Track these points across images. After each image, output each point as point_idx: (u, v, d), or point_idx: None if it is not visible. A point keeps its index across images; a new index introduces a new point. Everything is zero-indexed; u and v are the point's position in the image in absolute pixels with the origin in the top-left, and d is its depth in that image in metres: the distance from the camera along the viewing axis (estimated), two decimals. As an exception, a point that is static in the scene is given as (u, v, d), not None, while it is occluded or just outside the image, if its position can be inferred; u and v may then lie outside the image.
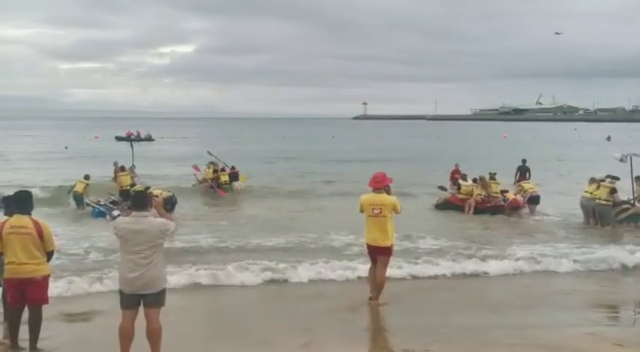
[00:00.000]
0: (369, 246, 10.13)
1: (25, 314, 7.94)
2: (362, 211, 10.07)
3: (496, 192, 21.19)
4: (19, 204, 7.94)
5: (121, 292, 7.30)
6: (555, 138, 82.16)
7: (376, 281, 10.10)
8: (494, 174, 22.19)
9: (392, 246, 10.12)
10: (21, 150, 54.53)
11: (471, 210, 20.68)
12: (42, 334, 7.91)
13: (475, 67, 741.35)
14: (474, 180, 21.74)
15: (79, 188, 21.78)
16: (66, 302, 10.28)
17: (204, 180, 26.74)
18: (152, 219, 7.32)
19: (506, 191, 21.61)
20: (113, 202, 20.88)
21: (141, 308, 7.28)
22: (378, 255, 10.04)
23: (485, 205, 20.94)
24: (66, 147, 54.45)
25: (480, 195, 21.12)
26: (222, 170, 27.28)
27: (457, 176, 24.13)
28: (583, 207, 18.78)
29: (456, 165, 26.58)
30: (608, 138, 76.75)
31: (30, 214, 7.92)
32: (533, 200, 20.55)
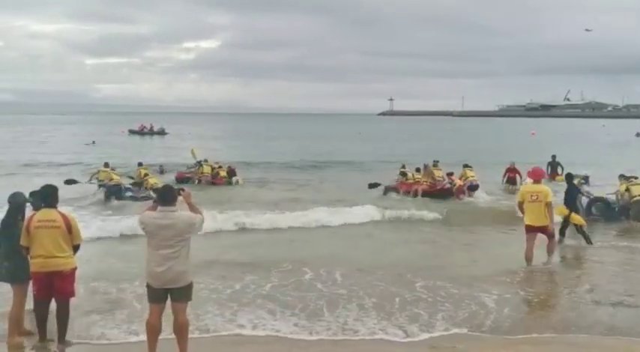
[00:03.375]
0: (528, 226, 12.59)
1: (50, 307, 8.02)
2: (522, 200, 12.68)
3: (440, 177, 23.44)
4: (46, 198, 8.03)
5: (148, 286, 7.31)
6: (583, 136, 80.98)
7: (547, 251, 12.84)
8: (437, 161, 24.87)
9: (549, 225, 12.61)
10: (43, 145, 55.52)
11: (418, 194, 22.79)
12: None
13: (503, 63, 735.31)
14: (417, 169, 24.46)
15: (104, 176, 22.90)
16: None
17: (202, 174, 27.09)
18: (180, 214, 7.33)
19: (452, 173, 23.63)
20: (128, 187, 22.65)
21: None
22: (539, 232, 12.59)
23: (433, 190, 22.96)
24: (93, 142, 54.88)
25: (426, 181, 23.38)
26: (220, 166, 28.06)
27: (513, 175, 25.99)
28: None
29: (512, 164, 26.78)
30: (638, 135, 75.78)
31: (56, 208, 8.01)
32: (473, 187, 23.03)
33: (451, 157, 33.93)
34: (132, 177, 24.76)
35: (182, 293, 7.28)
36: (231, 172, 27.96)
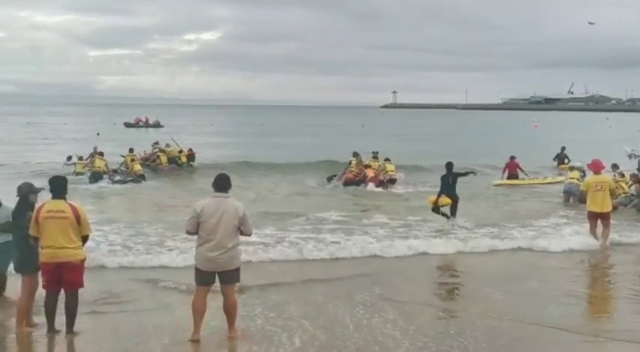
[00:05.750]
0: (593, 213, 14.07)
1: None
2: (586, 190, 14.37)
3: (376, 168, 24.44)
4: (55, 189, 8.07)
5: (197, 269, 7.79)
6: (586, 129, 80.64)
7: (602, 235, 13.95)
8: (377, 152, 26.01)
9: (610, 212, 14.20)
10: (52, 136, 55.66)
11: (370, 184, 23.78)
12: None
13: (507, 56, 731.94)
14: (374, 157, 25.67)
15: (99, 164, 24.84)
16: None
17: (160, 164, 28.10)
18: (232, 200, 7.82)
19: (369, 166, 24.64)
20: (114, 171, 25.30)
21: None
22: (601, 219, 14.02)
23: (357, 179, 24.18)
24: (98, 134, 54.91)
25: (353, 171, 24.51)
26: (180, 151, 29.34)
27: (514, 171, 25.89)
28: (566, 192, 20.43)
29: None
30: (642, 130, 75.34)
31: (65, 199, 8.06)
32: (392, 181, 23.84)
33: (473, 158, 32.43)
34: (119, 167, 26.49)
35: (232, 276, 7.83)
36: (191, 156, 29.30)
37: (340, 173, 25.40)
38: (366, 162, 25.07)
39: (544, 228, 15.93)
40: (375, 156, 25.74)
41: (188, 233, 7.96)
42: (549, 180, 25.94)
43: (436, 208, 16.24)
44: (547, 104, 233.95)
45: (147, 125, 75.75)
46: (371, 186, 23.51)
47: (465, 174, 16.99)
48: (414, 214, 17.53)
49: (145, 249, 13.03)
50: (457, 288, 11.24)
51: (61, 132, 61.86)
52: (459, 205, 16.36)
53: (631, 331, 8.55)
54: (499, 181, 25.56)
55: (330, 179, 25.45)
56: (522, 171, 25.85)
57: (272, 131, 70.87)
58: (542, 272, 12.08)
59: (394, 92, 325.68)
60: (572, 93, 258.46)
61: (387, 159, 24.99)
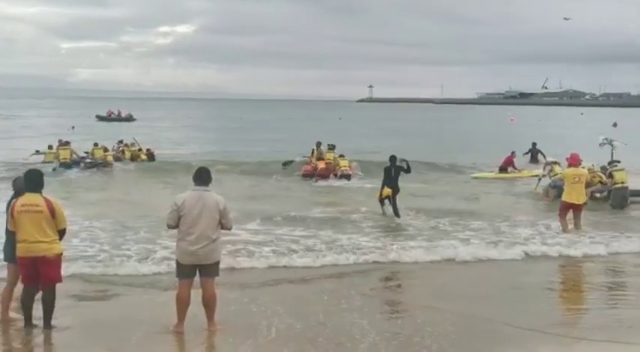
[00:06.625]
0: (568, 203, 14.66)
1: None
2: (565, 180, 14.95)
3: (330, 159, 24.99)
4: (30, 182, 7.95)
5: (178, 263, 7.82)
6: (561, 124, 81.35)
7: (574, 225, 14.66)
8: (334, 145, 26.50)
9: (583, 204, 14.87)
10: (27, 129, 55.01)
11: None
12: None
13: (483, 51, 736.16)
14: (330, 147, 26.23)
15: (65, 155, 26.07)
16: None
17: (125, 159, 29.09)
18: (211, 194, 7.81)
19: (321, 159, 25.14)
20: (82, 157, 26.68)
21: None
22: (574, 209, 14.70)
23: (313, 172, 24.69)
24: (73, 127, 54.36)
25: (313, 163, 25.17)
26: (140, 150, 30.04)
27: (505, 165, 26.39)
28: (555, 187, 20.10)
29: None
30: (615, 124, 76.00)
31: (41, 193, 7.94)
32: (345, 176, 23.96)
33: (452, 154, 33.08)
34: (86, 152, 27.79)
35: (212, 270, 7.84)
36: (151, 156, 29.73)
37: (299, 160, 26.32)
38: (324, 155, 25.51)
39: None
40: (331, 148, 26.19)
41: (169, 227, 7.94)
42: (525, 173, 26.05)
43: (382, 200, 16.88)
44: (522, 99, 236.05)
45: (119, 118, 75.09)
46: (318, 179, 23.97)
47: (408, 170, 17.33)
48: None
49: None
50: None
51: (35, 127, 61.07)
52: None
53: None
54: (477, 175, 26.08)
55: (285, 164, 26.19)
56: (514, 167, 26.29)
57: (248, 126, 70.35)
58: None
59: (370, 86, 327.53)
60: (546, 88, 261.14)
61: (341, 156, 25.20)
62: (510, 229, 15.10)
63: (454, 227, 15.27)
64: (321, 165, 24.65)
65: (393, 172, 16.78)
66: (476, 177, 25.71)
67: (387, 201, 16.83)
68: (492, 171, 26.48)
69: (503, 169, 26.22)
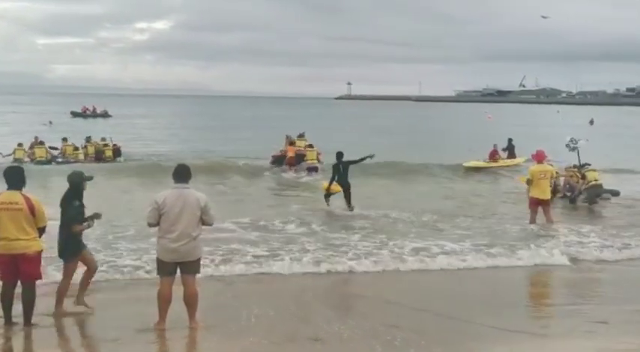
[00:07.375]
0: (535, 199, 15.04)
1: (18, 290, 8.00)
2: (531, 178, 15.07)
3: (301, 147, 25.98)
4: (10, 179, 7.94)
5: (159, 260, 7.79)
6: (538, 122, 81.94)
7: (545, 221, 14.99)
8: (304, 133, 27.83)
9: (550, 199, 15.40)
10: (4, 126, 54.45)
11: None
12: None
13: (460, 49, 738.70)
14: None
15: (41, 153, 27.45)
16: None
17: (86, 155, 29.18)
18: (191, 191, 7.81)
19: (293, 144, 26.15)
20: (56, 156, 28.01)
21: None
22: (542, 205, 15.10)
23: (280, 157, 26.02)
24: (50, 122, 53.99)
25: (283, 151, 26.28)
26: (106, 145, 30.27)
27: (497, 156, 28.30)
28: None
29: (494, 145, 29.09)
30: (591, 122, 76.70)
31: (21, 190, 7.93)
32: (312, 169, 24.78)
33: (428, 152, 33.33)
34: (55, 148, 29.11)
35: (192, 267, 7.85)
36: (117, 151, 30.03)
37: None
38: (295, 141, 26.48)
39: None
40: (301, 136, 27.31)
41: (150, 225, 7.87)
42: (508, 163, 28.15)
43: (328, 194, 17.46)
44: (499, 96, 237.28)
45: (94, 115, 74.55)
46: (289, 173, 24.90)
47: (357, 161, 17.81)
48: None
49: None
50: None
51: (12, 123, 60.41)
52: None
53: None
54: (468, 164, 27.19)
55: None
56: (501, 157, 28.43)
57: (228, 124, 69.81)
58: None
59: (349, 83, 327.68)
60: (523, 86, 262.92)
61: (309, 146, 26.09)
62: (495, 229, 14.91)
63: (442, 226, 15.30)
64: (291, 153, 25.49)
65: (342, 168, 17.25)
66: (468, 167, 26.75)
67: (331, 196, 17.42)
68: (485, 161, 27.84)
69: (493, 159, 27.86)
